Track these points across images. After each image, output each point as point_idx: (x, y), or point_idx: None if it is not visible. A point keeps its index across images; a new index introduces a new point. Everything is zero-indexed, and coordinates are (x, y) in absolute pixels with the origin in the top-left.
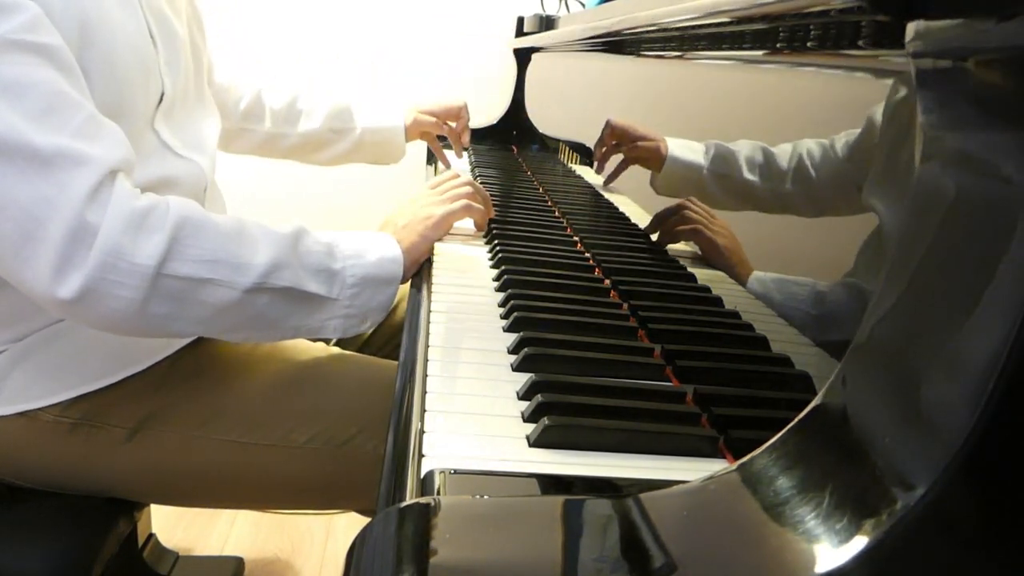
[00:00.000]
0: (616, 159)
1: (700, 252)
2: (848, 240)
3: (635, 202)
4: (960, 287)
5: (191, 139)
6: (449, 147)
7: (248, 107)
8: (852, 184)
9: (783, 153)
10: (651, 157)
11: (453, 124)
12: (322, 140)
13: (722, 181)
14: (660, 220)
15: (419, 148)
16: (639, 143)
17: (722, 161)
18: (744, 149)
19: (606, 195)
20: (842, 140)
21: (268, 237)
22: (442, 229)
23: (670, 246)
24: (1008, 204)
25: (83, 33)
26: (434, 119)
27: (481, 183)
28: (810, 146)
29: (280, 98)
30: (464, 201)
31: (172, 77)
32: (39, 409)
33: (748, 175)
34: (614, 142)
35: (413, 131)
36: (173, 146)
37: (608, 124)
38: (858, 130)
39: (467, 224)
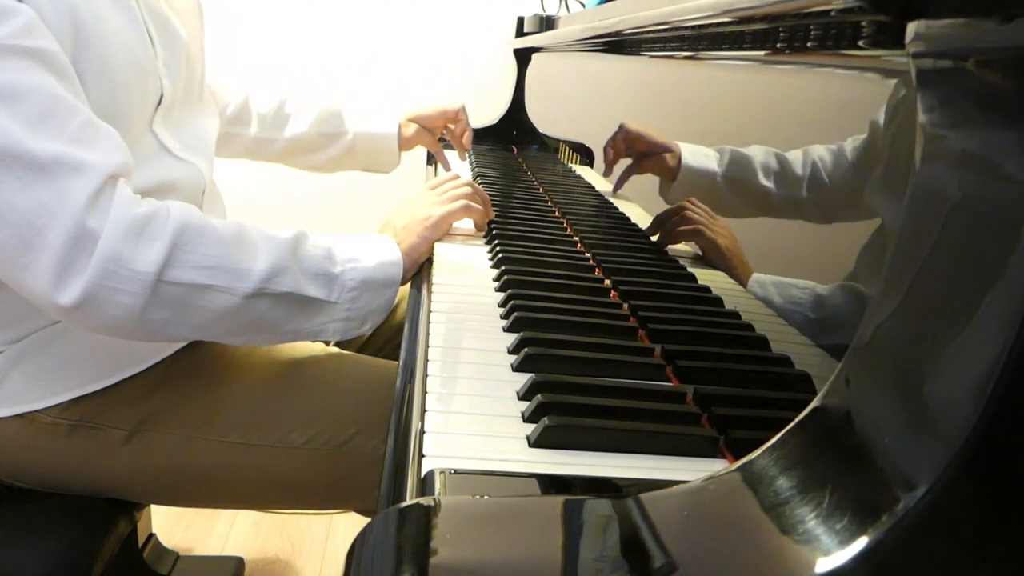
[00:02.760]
0: (623, 163)
1: (701, 253)
2: (848, 241)
3: (635, 202)
4: (960, 287)
5: (190, 140)
6: (451, 147)
7: (235, 111)
8: (863, 190)
9: (796, 159)
10: (665, 166)
11: (452, 127)
12: (311, 144)
13: (737, 187)
14: (661, 221)
15: (419, 150)
16: (653, 152)
17: (737, 167)
18: (758, 155)
19: (606, 195)
20: (852, 146)
21: (267, 242)
22: (441, 230)
23: (670, 246)
24: (1009, 203)
25: (76, 36)
26: (430, 126)
27: (481, 183)
28: (821, 152)
29: (268, 101)
30: (463, 201)
31: (171, 79)
32: (38, 410)
33: (764, 181)
34: (625, 147)
35: (410, 141)
36: (171, 148)
37: (622, 128)
38: (865, 135)
39: (467, 224)
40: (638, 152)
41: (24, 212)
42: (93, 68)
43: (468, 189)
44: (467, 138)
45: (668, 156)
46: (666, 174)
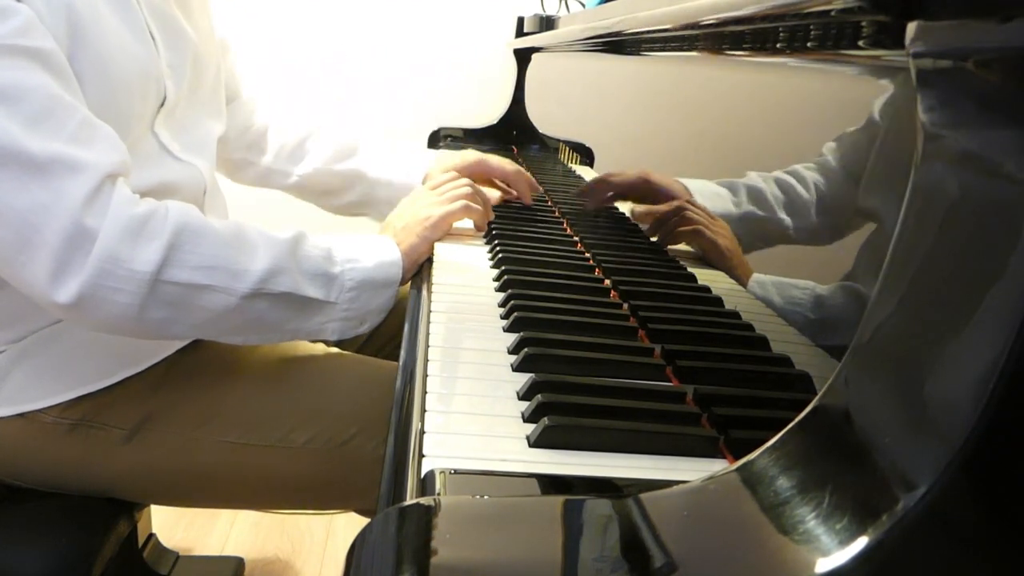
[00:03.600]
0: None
1: (700, 253)
2: (848, 241)
3: (635, 202)
4: (960, 286)
5: (192, 141)
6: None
7: (253, 138)
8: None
9: (797, 183)
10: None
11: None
12: (325, 185)
13: (756, 225)
14: (660, 222)
15: (421, 140)
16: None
17: (754, 203)
18: (762, 184)
19: None
20: (835, 155)
21: (266, 242)
22: (441, 230)
23: (670, 246)
24: (1009, 203)
25: (73, 35)
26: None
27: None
28: (815, 176)
29: (291, 134)
30: (463, 202)
31: (176, 79)
32: (38, 410)
33: (782, 215)
34: (633, 193)
35: None
36: (172, 149)
37: (640, 180)
38: (845, 141)
39: (467, 224)
40: (644, 196)
41: (21, 211)
42: (90, 68)
43: (468, 189)
44: (525, 197)
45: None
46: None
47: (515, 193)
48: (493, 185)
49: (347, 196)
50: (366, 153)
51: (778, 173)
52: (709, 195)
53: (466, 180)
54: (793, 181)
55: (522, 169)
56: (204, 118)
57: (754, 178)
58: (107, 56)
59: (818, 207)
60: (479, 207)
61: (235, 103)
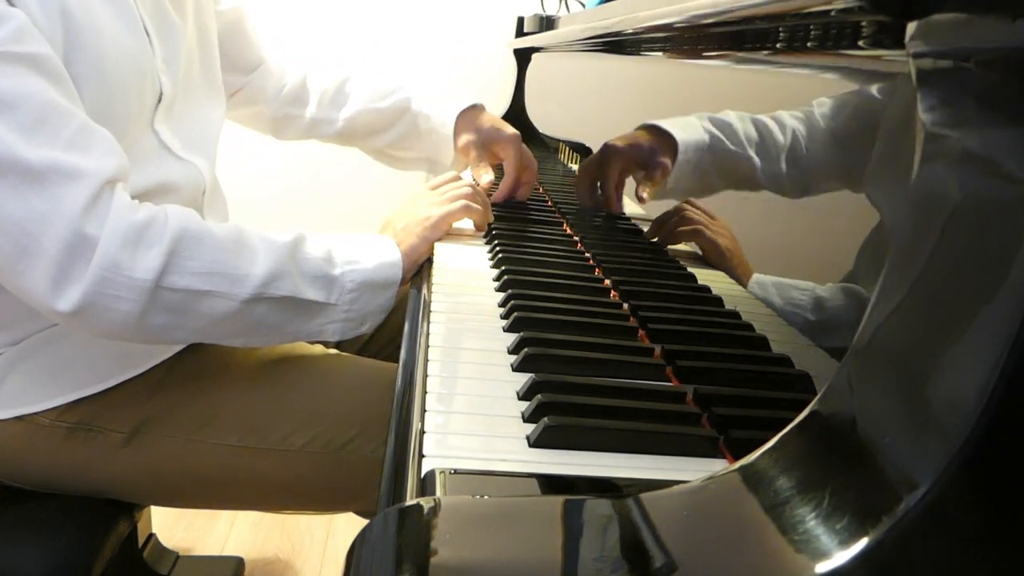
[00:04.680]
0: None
1: (700, 253)
2: (849, 241)
3: (635, 202)
4: (961, 287)
5: (192, 137)
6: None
7: (292, 91)
8: (843, 168)
9: (775, 128)
10: (662, 167)
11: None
12: (372, 124)
13: (724, 159)
14: (660, 223)
15: None
16: (648, 157)
17: (724, 134)
18: (738, 122)
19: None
20: (832, 120)
21: (266, 246)
22: (440, 230)
23: (670, 246)
24: (1009, 203)
25: (68, 38)
26: (484, 148)
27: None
28: (796, 125)
29: (328, 80)
30: (463, 202)
31: (171, 74)
32: (36, 413)
33: (751, 152)
34: (622, 174)
35: (460, 148)
36: (172, 147)
37: (606, 157)
38: (848, 110)
39: (467, 224)
40: (635, 166)
41: (19, 220)
42: (87, 70)
43: (468, 190)
44: (518, 192)
45: (664, 158)
46: (666, 171)
47: (514, 185)
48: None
49: (391, 132)
50: (408, 88)
51: (760, 116)
52: (682, 124)
53: (467, 181)
54: (773, 125)
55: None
56: (203, 105)
57: (731, 115)
58: (103, 56)
59: (788, 156)
60: (479, 207)
61: (261, 68)
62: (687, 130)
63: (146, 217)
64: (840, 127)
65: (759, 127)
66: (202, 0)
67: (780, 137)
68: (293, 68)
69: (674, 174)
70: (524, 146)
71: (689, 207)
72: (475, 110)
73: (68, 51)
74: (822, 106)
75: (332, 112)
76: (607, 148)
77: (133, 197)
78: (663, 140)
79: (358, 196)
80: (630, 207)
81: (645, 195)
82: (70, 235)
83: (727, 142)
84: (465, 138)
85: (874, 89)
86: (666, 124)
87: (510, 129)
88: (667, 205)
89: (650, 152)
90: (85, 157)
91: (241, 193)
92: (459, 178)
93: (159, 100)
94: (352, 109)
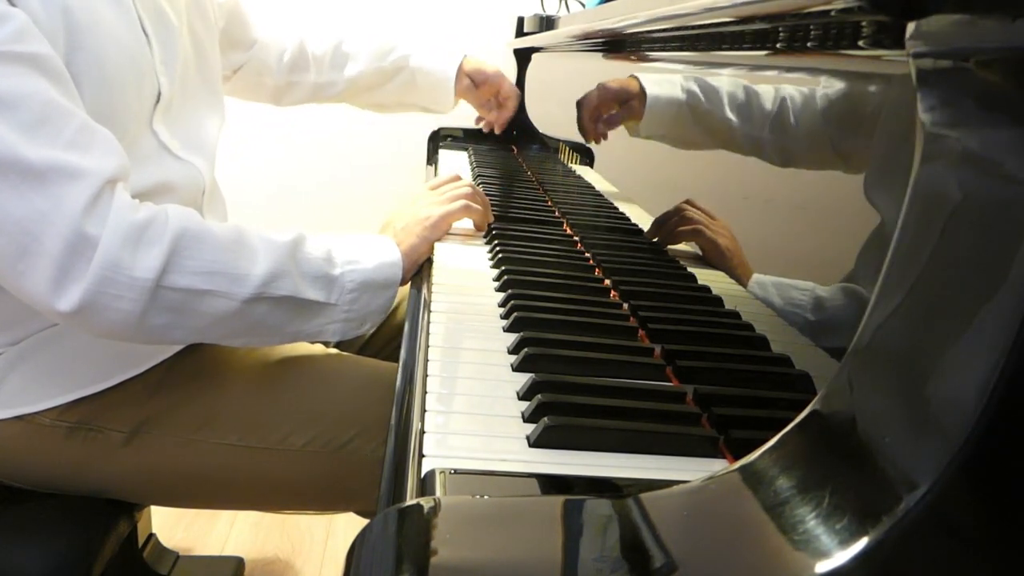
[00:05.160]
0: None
1: (701, 253)
2: (849, 241)
3: (635, 202)
4: (961, 287)
5: (191, 138)
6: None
7: (292, 59)
8: (828, 142)
9: (766, 95)
10: (631, 109)
11: (494, 107)
12: (371, 82)
13: (702, 117)
14: (660, 223)
15: (419, 149)
16: (616, 99)
17: (703, 94)
18: (726, 85)
19: (606, 195)
20: (827, 95)
21: (266, 246)
22: (440, 229)
23: (670, 246)
24: (1009, 204)
25: (69, 37)
26: (480, 89)
27: (481, 183)
28: (792, 93)
29: (324, 44)
30: (463, 201)
31: (169, 75)
32: (36, 412)
33: (729, 113)
34: (599, 115)
35: (461, 91)
36: (172, 147)
37: (582, 104)
38: (846, 88)
39: (467, 224)
40: (607, 108)
41: (20, 219)
42: (88, 69)
43: (468, 190)
44: (500, 124)
45: (633, 101)
46: (636, 116)
47: (493, 115)
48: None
49: (390, 87)
50: (404, 46)
51: (756, 85)
52: (662, 81)
53: (467, 181)
54: (763, 92)
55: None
56: (202, 112)
57: (722, 79)
58: (104, 55)
59: (774, 123)
60: (479, 207)
61: (259, 43)
62: (662, 86)
63: (147, 216)
64: (837, 110)
65: (748, 91)
66: (197, 7)
67: (768, 105)
68: (289, 35)
69: (644, 121)
70: (505, 77)
71: (689, 207)
72: (464, 59)
73: (69, 50)
74: (827, 87)
75: (334, 74)
76: (597, 87)
77: (133, 197)
78: (640, 90)
79: (357, 196)
80: (629, 207)
81: (606, 132)
82: (71, 234)
83: (704, 101)
84: (462, 84)
85: (874, 89)
86: (646, 78)
87: (492, 67)
88: (667, 205)
89: (624, 95)
90: (86, 157)
91: (240, 194)
92: (459, 178)
93: (157, 100)
94: (354, 69)
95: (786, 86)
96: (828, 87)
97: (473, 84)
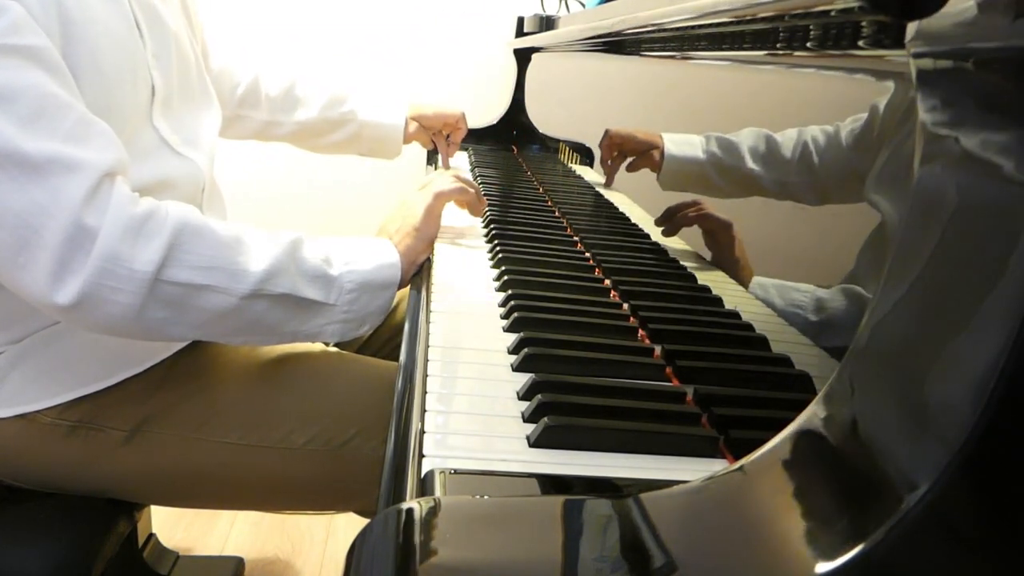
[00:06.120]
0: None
1: (706, 243)
2: (850, 241)
3: (635, 202)
4: (961, 287)
5: (190, 134)
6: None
7: (244, 93)
8: (855, 175)
9: (787, 141)
10: (651, 159)
11: (447, 133)
12: (318, 129)
13: (725, 173)
14: (670, 213)
15: (419, 150)
16: (637, 148)
17: (724, 152)
18: (747, 139)
19: (606, 195)
20: (847, 128)
21: (266, 244)
22: (431, 224)
23: (670, 246)
24: (1009, 204)
25: (64, 30)
26: (428, 126)
27: (481, 183)
28: (815, 133)
29: (278, 84)
30: (443, 188)
31: (162, 71)
32: (37, 411)
33: (752, 165)
34: (615, 152)
35: (410, 136)
36: (172, 143)
37: (606, 135)
38: (863, 117)
39: (467, 224)
40: (627, 152)
41: (19, 212)
42: (83, 62)
43: (450, 178)
44: (453, 149)
45: (650, 149)
46: (654, 166)
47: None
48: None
49: (336, 135)
50: (353, 97)
51: (775, 133)
52: (683, 144)
53: (452, 173)
54: (781, 139)
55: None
56: (199, 109)
57: (741, 133)
58: (99, 49)
59: (800, 166)
60: (459, 185)
61: (217, 71)
62: (680, 146)
63: (146, 210)
64: (856, 140)
65: (770, 142)
66: (189, 5)
67: (788, 152)
68: (245, 68)
69: (663, 177)
70: (446, 107)
71: (699, 202)
72: (408, 106)
73: (65, 43)
74: (847, 126)
75: (282, 116)
76: (607, 132)
77: (133, 192)
78: (658, 148)
79: (357, 198)
80: (629, 207)
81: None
82: (70, 226)
83: (725, 158)
84: (410, 129)
85: (873, 91)
86: (669, 137)
87: (431, 105)
88: (667, 204)
89: (644, 147)
90: (84, 149)
91: (239, 196)
92: (445, 172)
93: (153, 95)
94: (303, 115)
95: (808, 130)
96: (848, 121)
97: (420, 126)
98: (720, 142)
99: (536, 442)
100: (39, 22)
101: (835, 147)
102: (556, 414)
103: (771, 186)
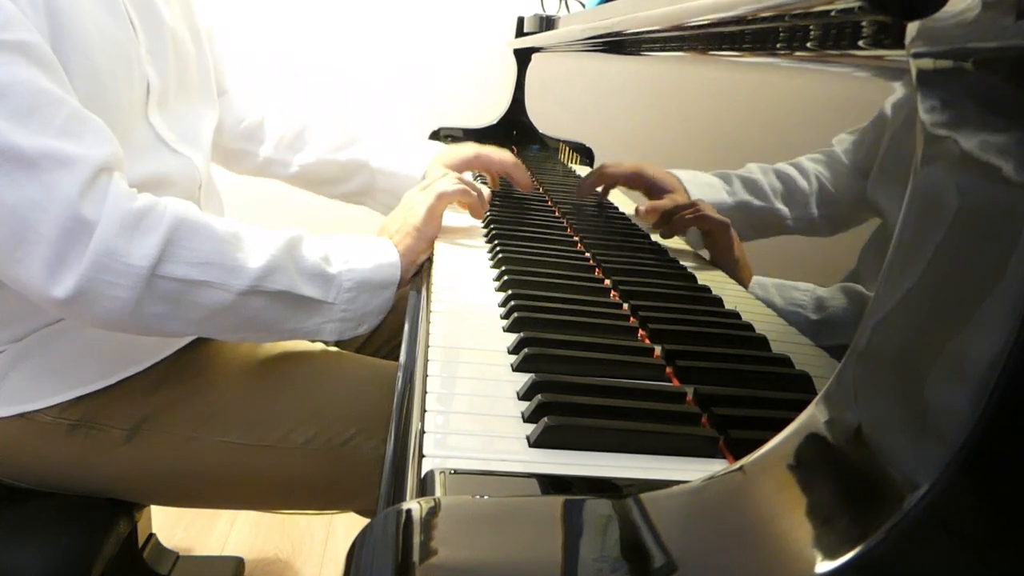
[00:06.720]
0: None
1: (705, 244)
2: (850, 242)
3: (635, 202)
4: (961, 287)
5: (187, 132)
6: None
7: (248, 128)
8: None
9: (798, 175)
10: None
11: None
12: (328, 173)
13: (751, 215)
14: (666, 217)
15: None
16: (653, 190)
17: (749, 192)
18: (759, 176)
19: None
20: (845, 149)
21: (264, 241)
22: (432, 224)
23: (670, 246)
24: (1009, 205)
25: (53, 25)
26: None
27: (481, 183)
28: (816, 157)
29: (287, 124)
30: (449, 187)
31: (157, 66)
32: (38, 410)
33: (777, 204)
34: (621, 183)
35: None
36: (168, 140)
37: (619, 170)
38: (857, 137)
39: (466, 224)
40: (638, 188)
41: (14, 207)
42: (74, 57)
43: (451, 177)
44: (524, 186)
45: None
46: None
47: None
48: (493, 179)
49: (348, 185)
50: (368, 143)
51: (779, 164)
52: (701, 185)
53: (454, 174)
54: (794, 172)
55: (519, 160)
56: (197, 106)
57: (753, 169)
58: (90, 44)
59: (818, 199)
60: (459, 186)
61: (225, 96)
62: (707, 191)
63: (144, 205)
64: (861, 159)
65: (782, 177)
66: (192, 3)
67: (804, 184)
68: (255, 106)
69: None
70: (497, 150)
71: (697, 202)
72: (436, 155)
73: (54, 38)
74: (841, 143)
75: (287, 155)
76: (642, 170)
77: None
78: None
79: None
80: (630, 207)
81: (646, 216)
82: (67, 219)
83: (754, 200)
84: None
85: (873, 91)
86: (688, 180)
87: (469, 149)
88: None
89: (661, 190)
90: (78, 144)
91: (238, 196)
92: (447, 174)
93: (148, 91)
94: (310, 156)
95: (809, 163)
96: (847, 142)
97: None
98: (744, 182)
99: (536, 442)
100: (27, 17)
101: (842, 172)
102: (556, 414)
103: (793, 224)
